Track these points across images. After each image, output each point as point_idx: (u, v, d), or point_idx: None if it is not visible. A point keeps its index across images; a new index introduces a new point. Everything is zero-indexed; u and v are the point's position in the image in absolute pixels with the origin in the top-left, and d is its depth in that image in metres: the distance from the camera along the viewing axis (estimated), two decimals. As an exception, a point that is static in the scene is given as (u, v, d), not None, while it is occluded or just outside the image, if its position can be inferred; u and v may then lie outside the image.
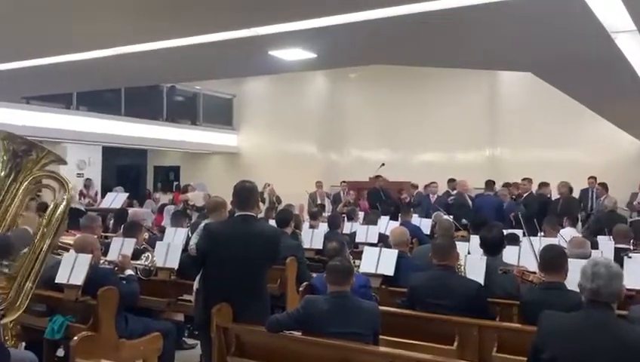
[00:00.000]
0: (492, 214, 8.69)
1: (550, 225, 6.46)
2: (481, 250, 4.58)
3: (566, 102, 9.77)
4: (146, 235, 6.04)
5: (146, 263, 4.84)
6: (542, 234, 6.44)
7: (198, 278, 4.11)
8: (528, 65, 7.06)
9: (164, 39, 5.86)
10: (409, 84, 13.99)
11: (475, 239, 5.38)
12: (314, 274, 5.05)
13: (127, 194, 9.33)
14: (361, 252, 5.19)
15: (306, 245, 6.62)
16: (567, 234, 6.03)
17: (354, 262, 4.52)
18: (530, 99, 12.63)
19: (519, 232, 5.85)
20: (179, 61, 6.88)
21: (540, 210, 8.77)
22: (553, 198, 9.80)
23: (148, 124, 14.85)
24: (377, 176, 11.64)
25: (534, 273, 3.80)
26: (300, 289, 4.38)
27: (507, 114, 13.35)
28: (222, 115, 17.37)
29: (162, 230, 6.84)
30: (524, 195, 9.69)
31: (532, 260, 4.41)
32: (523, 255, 4.79)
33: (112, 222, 7.85)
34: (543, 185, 9.90)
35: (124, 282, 4.29)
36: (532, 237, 5.09)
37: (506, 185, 10.65)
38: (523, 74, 10.47)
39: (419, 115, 14.13)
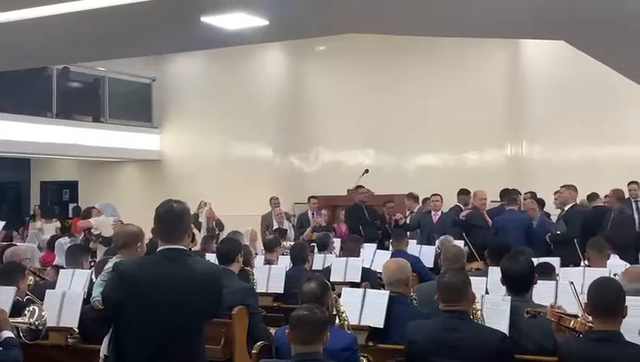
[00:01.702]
0: (517, 236, 8.80)
1: (597, 249, 6.55)
2: (504, 287, 4.63)
3: (617, 80, 9.96)
4: (30, 281, 5.92)
5: (32, 321, 4.74)
6: (585, 262, 6.54)
7: (106, 341, 4.04)
8: (562, 29, 7.20)
9: (51, 3, 5.81)
10: (400, 59, 14.10)
11: (496, 272, 5.43)
12: (272, 330, 5.01)
13: (2, 223, 9.16)
14: (338, 296, 5.18)
15: (260, 288, 6.60)
16: (616, 265, 6.13)
17: (341, 312, 4.50)
18: (567, 78, 12.85)
19: (555, 261, 5.92)
20: (74, 34, 6.82)
21: (587, 228, 8.85)
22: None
23: (30, 122, 14.63)
24: (358, 188, 11.67)
25: (576, 317, 3.84)
26: (253, 351, 4.35)
27: (535, 98, 13.56)
28: (137, 107, 17.22)
29: (51, 272, 6.71)
30: (566, 209, 9.75)
31: (571, 299, 4.46)
32: (562, 293, 4.85)
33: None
34: (593, 197, 9.96)
35: (0, 349, 4.19)
36: (571, 268, 5.15)
37: (533, 195, 10.77)
38: (554, 43, 10.68)
39: (414, 103, 14.26)
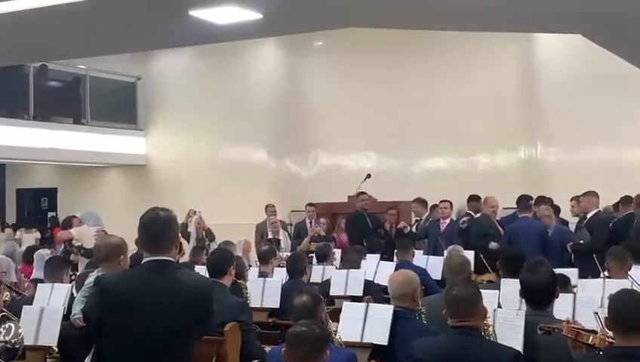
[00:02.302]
0: (532, 246, 8.80)
1: (618, 259, 6.55)
2: (517, 301, 4.62)
3: (639, 77, 9.94)
4: (7, 296, 5.92)
5: (7, 339, 4.73)
6: (605, 274, 6.54)
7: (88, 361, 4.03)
8: (578, 22, 7.21)
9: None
10: (404, 55, 14.12)
11: (509, 284, 5.43)
12: (267, 348, 5.01)
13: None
14: (339, 310, 5.18)
15: (254, 303, 6.60)
16: (639, 276, 6.13)
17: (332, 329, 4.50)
18: (584, 74, 12.85)
19: (572, 272, 5.92)
20: (52, 29, 6.83)
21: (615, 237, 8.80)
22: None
23: (5, 124, 14.63)
24: (360, 194, 11.65)
25: (594, 332, 3.82)
26: (247, 370, 4.35)
27: (550, 96, 13.56)
28: (121, 108, 17.22)
29: (30, 286, 6.71)
30: (589, 216, 9.70)
31: (590, 314, 4.46)
32: (580, 307, 4.85)
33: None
34: (626, 201, 9.80)
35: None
36: (590, 280, 5.15)
37: (543, 200, 10.72)
38: (570, 37, 10.69)
39: (419, 102, 14.28)
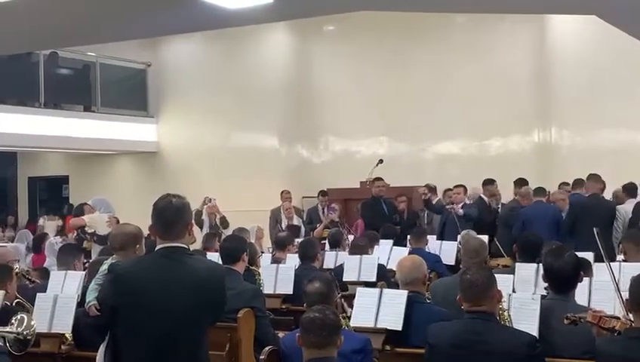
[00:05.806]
0: (546, 230, 8.78)
1: (634, 242, 6.52)
2: (532, 285, 4.61)
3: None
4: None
5: (19, 330, 4.74)
6: (621, 257, 6.52)
7: (102, 349, 4.05)
8: (593, 2, 7.16)
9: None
10: (416, 39, 14.07)
11: (524, 269, 5.41)
12: (281, 334, 5.03)
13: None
14: (352, 296, 5.18)
15: (267, 289, 6.61)
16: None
17: (345, 314, 4.52)
18: (599, 56, 12.77)
19: (589, 256, 5.90)
20: (61, 15, 6.83)
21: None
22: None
23: (16, 112, 14.66)
24: (376, 180, 11.59)
25: (617, 318, 3.80)
26: (261, 357, 4.36)
27: (564, 79, 13.49)
28: (131, 94, 17.23)
29: (45, 275, 6.75)
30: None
31: (606, 297, 4.44)
32: (598, 291, 4.83)
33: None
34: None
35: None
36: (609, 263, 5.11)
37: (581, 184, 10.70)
38: (584, 18, 10.61)
39: (431, 86, 14.24)
